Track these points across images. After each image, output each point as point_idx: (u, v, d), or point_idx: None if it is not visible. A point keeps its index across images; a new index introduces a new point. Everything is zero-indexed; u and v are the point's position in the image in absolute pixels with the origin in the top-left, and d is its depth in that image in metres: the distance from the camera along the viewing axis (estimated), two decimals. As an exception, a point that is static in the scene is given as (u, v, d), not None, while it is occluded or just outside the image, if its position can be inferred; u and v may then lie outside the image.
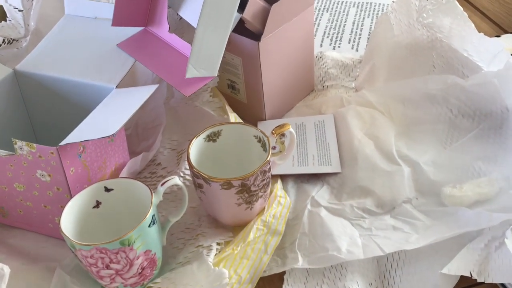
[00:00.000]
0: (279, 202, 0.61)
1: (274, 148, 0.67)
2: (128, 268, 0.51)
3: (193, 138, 0.58)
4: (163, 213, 0.61)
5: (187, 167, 0.63)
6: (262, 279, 0.55)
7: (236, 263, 0.55)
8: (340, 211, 0.60)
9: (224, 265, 0.54)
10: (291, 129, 0.59)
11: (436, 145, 0.65)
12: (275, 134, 0.58)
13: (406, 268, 0.54)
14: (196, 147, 0.58)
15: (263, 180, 0.56)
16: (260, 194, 0.57)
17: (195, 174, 0.55)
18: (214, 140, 0.60)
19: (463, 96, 0.67)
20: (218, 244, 0.57)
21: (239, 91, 0.71)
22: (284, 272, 0.56)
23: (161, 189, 0.54)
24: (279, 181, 0.64)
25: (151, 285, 0.54)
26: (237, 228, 0.59)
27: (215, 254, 0.56)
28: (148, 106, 0.71)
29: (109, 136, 0.50)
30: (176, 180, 0.54)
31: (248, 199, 0.56)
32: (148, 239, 0.51)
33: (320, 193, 0.62)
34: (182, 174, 0.64)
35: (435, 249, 0.55)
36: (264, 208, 0.60)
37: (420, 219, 0.57)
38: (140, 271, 0.52)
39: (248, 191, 0.55)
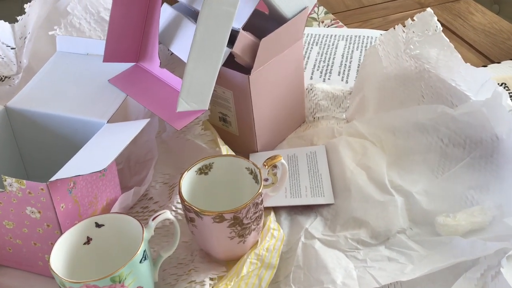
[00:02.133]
0: (272, 234, 0.60)
1: (266, 180, 0.67)
2: (119, 306, 0.50)
3: (185, 171, 0.58)
4: (155, 248, 0.60)
5: (179, 201, 0.63)
6: (256, 315, 0.54)
7: (229, 299, 0.54)
8: (335, 242, 0.59)
9: (217, 301, 0.53)
10: (282, 161, 0.59)
11: (428, 175, 0.65)
12: (266, 166, 0.58)
13: (402, 300, 0.53)
14: (187, 180, 0.58)
15: (256, 212, 0.56)
16: (253, 227, 0.56)
17: (186, 208, 0.55)
18: (206, 173, 0.60)
19: (453, 125, 0.68)
20: (211, 279, 0.56)
21: (231, 124, 0.71)
22: (279, 307, 0.55)
23: (153, 224, 0.53)
24: (272, 213, 0.63)
25: (143, 323, 0.53)
26: (230, 262, 0.58)
27: (208, 290, 0.55)
28: (140, 140, 0.71)
29: (99, 171, 0.50)
30: (167, 214, 0.54)
31: (240, 232, 0.55)
32: (139, 275, 0.50)
33: (314, 224, 0.62)
34: (174, 208, 0.64)
35: (431, 280, 0.54)
36: (257, 241, 0.59)
37: (415, 249, 0.57)
38: (131, 308, 0.51)
39: (241, 224, 0.55)
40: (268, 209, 0.64)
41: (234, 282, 0.55)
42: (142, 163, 0.70)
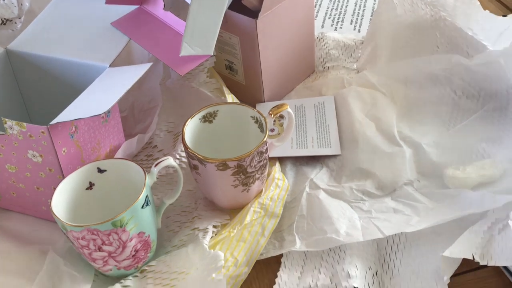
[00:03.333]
0: (277, 184, 0.59)
1: (272, 130, 0.66)
2: (121, 250, 0.50)
3: (188, 119, 0.57)
4: (159, 196, 0.60)
5: (183, 149, 0.62)
6: (259, 262, 0.54)
7: (232, 246, 0.54)
8: (339, 193, 0.58)
9: (220, 248, 0.53)
10: (289, 109, 0.57)
11: (439, 127, 0.64)
12: (272, 115, 0.56)
13: (406, 252, 0.53)
14: (191, 128, 0.57)
15: (260, 161, 0.55)
16: (257, 176, 0.55)
17: (190, 155, 0.54)
18: (210, 121, 0.59)
19: (467, 77, 0.65)
20: (214, 227, 0.56)
21: (237, 72, 0.69)
22: (281, 255, 0.54)
23: (155, 170, 0.52)
24: (277, 164, 0.62)
25: (145, 268, 0.53)
26: (234, 211, 0.58)
27: (211, 237, 0.55)
28: (144, 86, 0.70)
29: (100, 115, 0.49)
30: (170, 161, 0.53)
31: (244, 180, 0.55)
32: (141, 221, 0.50)
33: (319, 175, 0.61)
34: (178, 156, 0.63)
35: (436, 232, 0.53)
36: (262, 190, 0.58)
37: (422, 202, 0.56)
38: (133, 253, 0.51)
39: (245, 172, 0.54)
40: (273, 159, 0.63)
41: (237, 229, 0.55)
42: (146, 111, 0.68)
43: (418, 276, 0.50)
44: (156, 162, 0.53)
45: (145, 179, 0.51)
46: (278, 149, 0.61)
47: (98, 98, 0.52)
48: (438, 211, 0.54)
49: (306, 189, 0.59)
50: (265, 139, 0.54)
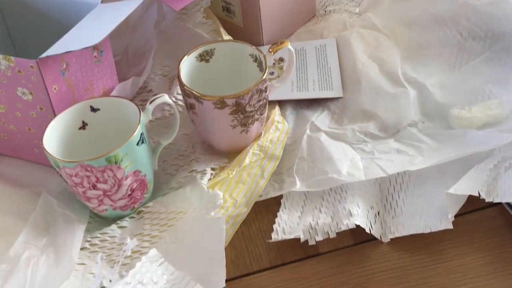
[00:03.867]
0: (276, 127, 0.57)
1: (272, 73, 0.64)
2: (117, 188, 0.48)
3: (184, 56, 0.54)
4: (155, 140, 0.58)
5: (179, 92, 0.60)
6: (258, 204, 0.53)
7: (231, 187, 0.52)
8: (341, 135, 0.57)
9: (219, 189, 0.52)
10: (289, 46, 0.55)
11: (444, 68, 0.62)
12: (272, 52, 0.54)
13: (410, 191, 0.51)
14: (187, 66, 0.55)
15: (259, 100, 0.53)
16: (256, 116, 0.54)
17: (186, 93, 0.52)
18: (207, 60, 0.56)
19: (474, 17, 0.63)
20: (212, 169, 0.55)
21: (235, 14, 0.67)
22: (281, 197, 0.53)
23: (150, 108, 0.50)
24: (277, 107, 0.60)
25: (142, 209, 0.52)
26: (232, 154, 0.56)
27: (209, 179, 0.53)
28: (138, 30, 0.67)
29: (92, 48, 0.47)
30: (165, 98, 0.51)
31: (243, 120, 0.53)
32: (137, 158, 0.48)
33: (320, 118, 0.59)
34: (174, 99, 0.61)
35: (441, 171, 0.52)
36: (261, 133, 0.57)
37: (426, 142, 0.54)
38: (129, 193, 0.50)
39: (243, 111, 0.52)
40: (273, 103, 0.61)
41: (236, 171, 0.53)
42: (141, 54, 0.66)
43: (421, 214, 0.49)
44: (151, 99, 0.51)
45: (139, 115, 0.49)
46: (278, 91, 0.59)
47: (90, 32, 0.50)
48: (442, 151, 0.53)
49: (307, 131, 0.57)
50: (264, 76, 0.52)
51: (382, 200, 0.52)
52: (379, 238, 0.49)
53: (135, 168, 0.49)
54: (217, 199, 0.48)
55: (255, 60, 0.55)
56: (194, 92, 0.51)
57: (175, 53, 0.66)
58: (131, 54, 0.67)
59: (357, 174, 0.51)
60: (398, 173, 0.52)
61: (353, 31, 0.66)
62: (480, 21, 0.63)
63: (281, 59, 0.65)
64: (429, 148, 0.54)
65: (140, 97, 0.64)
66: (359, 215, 0.48)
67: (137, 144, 0.48)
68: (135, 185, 0.50)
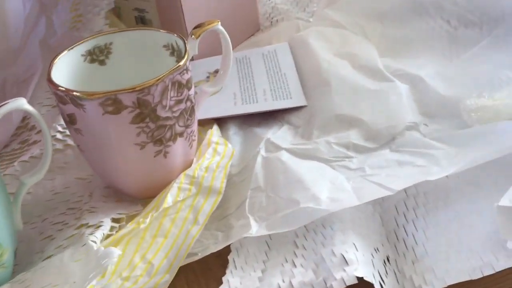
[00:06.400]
0: (215, 150, 0.38)
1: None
2: None
3: (60, 53, 0.36)
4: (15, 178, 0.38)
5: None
6: (191, 266, 0.32)
7: (144, 245, 0.32)
8: (312, 151, 0.38)
9: (123, 249, 0.31)
10: (219, 26, 0.38)
11: (438, 58, 0.46)
12: (195, 37, 0.37)
13: (432, 217, 0.32)
14: (67, 67, 0.36)
15: (180, 101, 0.34)
16: (179, 129, 0.35)
17: (58, 96, 0.33)
18: (102, 61, 0.38)
19: (461, 0, 0.49)
20: (114, 220, 0.34)
21: (152, 23, 0.50)
22: (228, 251, 0.32)
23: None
24: (215, 127, 0.42)
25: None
26: (151, 200, 0.36)
27: (109, 235, 0.32)
28: (20, 57, 0.49)
29: None
30: (17, 103, 0.31)
31: (156, 133, 0.33)
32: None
33: (278, 134, 0.41)
34: (61, 129, 0.41)
35: (473, 183, 0.33)
36: (192, 160, 0.37)
37: (438, 147, 0.36)
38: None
39: (154, 116, 0.33)
40: (208, 123, 0.42)
41: (151, 218, 0.33)
42: (21, 83, 0.47)
43: (460, 250, 0.29)
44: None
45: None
46: (214, 107, 0.42)
47: None
48: (466, 155, 0.34)
49: (260, 152, 0.39)
50: (183, 62, 0.34)
51: (390, 238, 0.32)
52: (398, 298, 0.28)
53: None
54: (110, 258, 0.27)
55: (172, 52, 0.37)
56: (70, 92, 0.32)
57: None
58: (9, 86, 0.48)
59: (344, 199, 0.32)
60: (407, 194, 0.34)
61: (311, 31, 0.50)
62: (470, 4, 0.48)
63: (217, 72, 0.47)
64: (445, 153, 0.35)
65: (21, 138, 0.45)
66: (359, 261, 0.28)
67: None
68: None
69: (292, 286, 0.28)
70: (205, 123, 0.42)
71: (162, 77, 0.32)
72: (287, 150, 0.38)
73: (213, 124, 0.42)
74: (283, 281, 0.29)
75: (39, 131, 0.44)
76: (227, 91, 0.45)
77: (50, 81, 0.33)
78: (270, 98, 0.43)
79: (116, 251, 0.28)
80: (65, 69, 0.36)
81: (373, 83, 0.42)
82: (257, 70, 0.47)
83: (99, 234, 0.32)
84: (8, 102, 0.31)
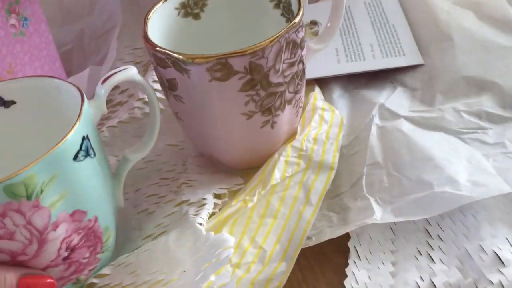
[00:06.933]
0: (321, 117, 0.34)
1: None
2: (37, 247, 0.25)
3: (154, 6, 0.32)
4: (117, 154, 0.35)
5: (156, 78, 0.36)
6: (305, 254, 0.29)
7: (252, 226, 0.29)
8: (437, 120, 0.33)
9: (229, 231, 0.28)
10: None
11: None
12: (306, -14, 0.31)
13: None
14: (161, 22, 0.32)
15: (292, 64, 0.29)
16: (288, 95, 0.30)
17: (158, 58, 0.29)
18: (197, 16, 0.34)
19: None
20: (217, 196, 0.31)
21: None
22: (347, 238, 0.29)
23: (102, 92, 0.28)
24: (317, 89, 0.37)
25: (95, 281, 0.28)
26: (250, 172, 0.33)
27: (212, 214, 0.29)
28: (96, 8, 0.46)
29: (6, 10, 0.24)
30: (129, 72, 0.28)
31: (266, 101, 0.29)
32: (75, 187, 0.25)
33: (393, 98, 0.36)
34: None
35: None
36: (296, 129, 0.33)
37: None
38: (65, 254, 0.26)
39: (266, 83, 0.28)
40: (309, 83, 0.38)
41: (258, 196, 0.29)
42: (101, 37, 0.44)
43: None
44: (104, 77, 0.28)
45: (81, 105, 0.26)
46: (315, 66, 0.37)
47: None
48: None
49: (374, 121, 0.34)
50: (298, 20, 0.29)
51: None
52: None
53: (74, 206, 0.25)
54: (223, 249, 0.24)
55: (278, 4, 0.32)
56: (174, 54, 0.28)
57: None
58: (88, 38, 0.45)
59: (490, 183, 0.27)
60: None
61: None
62: None
63: (314, 22, 0.42)
64: None
65: (103, 99, 0.42)
66: (518, 262, 0.24)
67: (75, 158, 0.25)
68: (76, 238, 0.26)
69: (434, 286, 0.25)
70: (306, 83, 0.37)
71: (277, 36, 0.27)
72: (407, 118, 0.33)
73: (314, 86, 0.37)
74: (422, 279, 0.25)
75: (123, 91, 0.41)
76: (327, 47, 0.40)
77: (147, 40, 0.29)
78: (379, 55, 0.38)
79: (231, 239, 0.25)
80: (158, 25, 0.31)
81: (506, 38, 0.36)
82: (360, 21, 0.42)
83: (204, 214, 0.29)
84: (117, 72, 0.28)
